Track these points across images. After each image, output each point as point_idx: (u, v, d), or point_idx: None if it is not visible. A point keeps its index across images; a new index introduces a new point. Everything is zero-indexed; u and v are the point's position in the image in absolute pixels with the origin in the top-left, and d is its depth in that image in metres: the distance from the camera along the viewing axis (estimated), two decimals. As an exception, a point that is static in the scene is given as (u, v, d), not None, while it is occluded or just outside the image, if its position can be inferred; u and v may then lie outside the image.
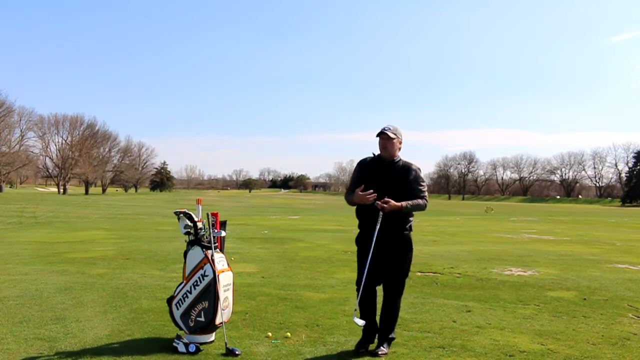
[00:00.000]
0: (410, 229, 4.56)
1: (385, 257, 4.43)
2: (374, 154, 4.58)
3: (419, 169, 4.53)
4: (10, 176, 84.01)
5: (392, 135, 4.41)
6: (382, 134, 4.42)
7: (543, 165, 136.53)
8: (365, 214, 4.46)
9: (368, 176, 4.48)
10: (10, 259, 9.82)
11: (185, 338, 4.47)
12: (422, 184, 4.52)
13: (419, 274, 8.48)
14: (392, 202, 4.29)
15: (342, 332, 4.96)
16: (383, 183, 4.39)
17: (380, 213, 4.31)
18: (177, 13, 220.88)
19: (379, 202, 4.29)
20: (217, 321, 4.53)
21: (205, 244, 4.59)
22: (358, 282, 4.52)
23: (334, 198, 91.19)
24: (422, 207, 4.46)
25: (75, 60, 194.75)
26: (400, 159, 4.52)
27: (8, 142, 79.76)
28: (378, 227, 4.32)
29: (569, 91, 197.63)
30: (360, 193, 4.34)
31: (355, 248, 4.70)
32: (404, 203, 4.34)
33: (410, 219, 4.52)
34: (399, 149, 4.52)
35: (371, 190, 4.33)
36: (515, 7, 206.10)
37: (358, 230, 4.64)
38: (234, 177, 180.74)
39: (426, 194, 4.51)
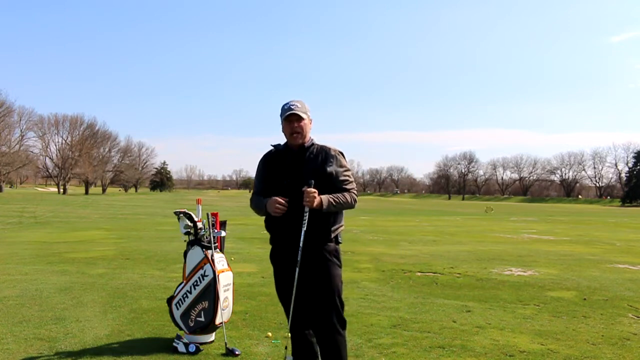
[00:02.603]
0: (337, 240, 3.39)
1: (306, 283, 3.33)
2: (273, 145, 3.49)
3: (340, 152, 3.41)
4: (10, 176, 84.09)
5: (303, 115, 3.30)
6: (290, 116, 3.29)
7: (543, 165, 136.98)
8: (281, 222, 3.31)
9: (276, 174, 3.38)
10: (10, 259, 9.83)
11: (185, 338, 4.47)
12: (346, 173, 3.38)
13: (419, 274, 8.48)
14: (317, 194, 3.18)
15: (342, 332, 4.96)
16: (294, 178, 3.29)
17: (306, 213, 3.19)
18: (177, 13, 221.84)
19: (306, 194, 3.17)
20: (217, 321, 4.53)
21: (205, 244, 4.59)
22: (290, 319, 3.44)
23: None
24: (349, 204, 3.32)
25: (75, 60, 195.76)
26: (314, 143, 3.40)
27: (8, 142, 79.86)
28: (303, 235, 3.21)
29: (569, 91, 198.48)
30: (272, 203, 3.24)
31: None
32: (324, 198, 3.20)
33: (337, 224, 3.37)
34: (310, 129, 3.42)
35: (282, 201, 3.22)
36: (515, 7, 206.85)
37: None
38: (234, 177, 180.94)
39: (353, 185, 3.41)
